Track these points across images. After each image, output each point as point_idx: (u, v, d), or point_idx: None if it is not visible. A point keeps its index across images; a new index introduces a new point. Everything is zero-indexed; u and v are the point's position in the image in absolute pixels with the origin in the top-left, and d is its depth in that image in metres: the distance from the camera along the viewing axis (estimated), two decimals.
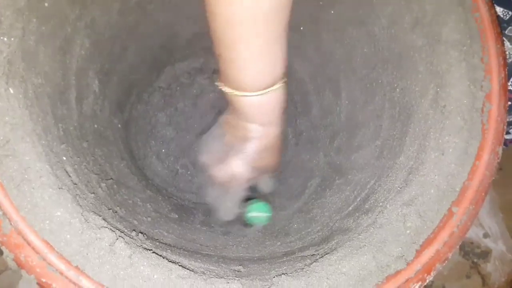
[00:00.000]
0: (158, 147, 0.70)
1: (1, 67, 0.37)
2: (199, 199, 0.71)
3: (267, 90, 0.43)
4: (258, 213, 0.60)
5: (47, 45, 0.43)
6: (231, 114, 0.50)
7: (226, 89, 0.45)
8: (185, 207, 0.65)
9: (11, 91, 0.37)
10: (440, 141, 0.44)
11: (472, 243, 0.84)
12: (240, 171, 0.52)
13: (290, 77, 0.74)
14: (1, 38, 0.37)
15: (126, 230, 0.41)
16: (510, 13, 0.60)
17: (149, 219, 0.51)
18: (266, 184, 0.60)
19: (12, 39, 0.38)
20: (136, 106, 0.68)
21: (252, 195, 0.61)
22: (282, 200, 0.66)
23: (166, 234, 0.50)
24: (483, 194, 0.43)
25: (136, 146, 0.67)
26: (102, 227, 0.37)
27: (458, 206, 0.42)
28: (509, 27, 0.60)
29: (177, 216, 0.57)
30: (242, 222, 0.61)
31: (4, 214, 0.35)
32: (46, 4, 0.42)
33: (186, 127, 0.73)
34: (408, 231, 0.41)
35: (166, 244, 0.45)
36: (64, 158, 0.42)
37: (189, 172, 0.73)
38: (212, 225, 0.59)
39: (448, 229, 0.41)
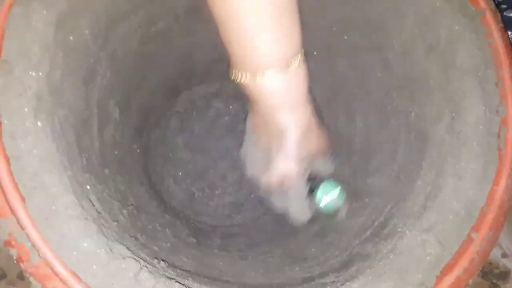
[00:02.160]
0: (175, 171, 0.72)
1: (30, 102, 0.38)
2: (216, 221, 0.71)
3: (287, 66, 0.41)
4: (328, 195, 0.53)
5: (72, 77, 0.44)
6: (256, 114, 0.48)
7: (244, 78, 0.42)
8: (203, 231, 0.65)
9: (39, 124, 0.38)
10: (457, 166, 0.44)
11: (490, 263, 0.83)
12: (289, 168, 0.49)
13: None
14: (30, 73, 0.39)
15: (148, 258, 0.42)
16: None
17: (168, 244, 0.52)
18: (324, 167, 0.55)
19: (40, 73, 0.39)
20: (154, 130, 0.69)
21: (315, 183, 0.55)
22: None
23: (185, 260, 0.50)
24: (502, 219, 0.43)
25: (154, 170, 0.68)
26: (126, 257, 0.38)
27: (477, 231, 0.42)
28: None
29: (195, 240, 0.58)
30: (322, 215, 0.55)
31: (33, 245, 0.36)
32: (71, 38, 0.43)
33: (202, 150, 0.74)
34: (428, 258, 0.41)
35: (186, 271, 0.45)
36: (88, 187, 0.43)
37: (205, 195, 0.74)
38: (230, 249, 0.60)
39: (468, 255, 0.41)
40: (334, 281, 0.43)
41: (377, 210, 0.53)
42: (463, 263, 0.41)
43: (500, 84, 0.45)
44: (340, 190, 0.53)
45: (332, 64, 0.63)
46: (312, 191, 0.54)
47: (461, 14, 0.47)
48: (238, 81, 0.43)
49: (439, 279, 0.40)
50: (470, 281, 0.41)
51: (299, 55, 0.43)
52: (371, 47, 0.56)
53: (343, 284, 0.41)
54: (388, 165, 0.55)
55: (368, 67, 0.58)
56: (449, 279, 0.40)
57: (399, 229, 0.45)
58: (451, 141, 0.46)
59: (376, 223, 0.51)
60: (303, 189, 0.53)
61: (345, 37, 0.58)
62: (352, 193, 0.61)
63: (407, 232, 0.44)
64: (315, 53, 0.65)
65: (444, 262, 0.41)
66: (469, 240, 0.42)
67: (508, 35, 0.47)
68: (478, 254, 0.42)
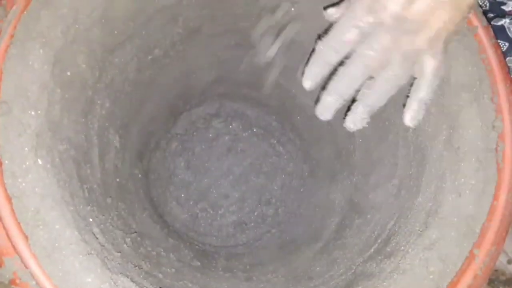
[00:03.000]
0: (177, 192, 0.72)
1: (30, 141, 0.39)
2: (220, 241, 0.71)
3: None
4: None
5: (71, 111, 0.45)
6: None
7: None
8: (207, 252, 0.66)
9: (40, 162, 0.39)
10: (456, 183, 0.45)
11: (497, 270, 0.83)
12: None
13: (301, 114, 0.75)
14: (29, 112, 0.39)
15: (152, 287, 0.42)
16: (507, 44, 0.62)
17: (173, 270, 0.52)
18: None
19: (39, 111, 0.40)
20: (155, 154, 0.70)
21: None
22: (301, 239, 0.67)
23: (190, 285, 0.51)
24: (503, 234, 0.43)
25: (156, 193, 0.69)
26: None
27: (479, 248, 0.42)
28: (508, 58, 0.61)
29: (199, 263, 0.58)
30: None
31: (37, 283, 0.36)
32: (68, 73, 0.44)
33: (204, 170, 0.75)
34: (431, 276, 0.42)
35: None
36: (91, 220, 0.44)
37: (208, 215, 0.74)
38: (234, 270, 0.60)
39: (471, 272, 0.42)
40: None
41: (380, 226, 0.53)
42: (467, 280, 0.41)
43: (496, 99, 0.46)
44: None
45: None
46: None
47: None
48: None
49: None
50: None
51: None
52: None
53: None
54: (389, 181, 0.56)
55: None
56: None
57: (402, 247, 0.45)
58: (450, 157, 0.46)
59: (379, 240, 0.51)
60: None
61: None
62: (356, 209, 0.61)
63: (410, 250, 0.44)
64: None
65: (448, 280, 0.41)
66: (471, 256, 0.42)
67: (501, 50, 0.47)
68: (481, 270, 0.42)
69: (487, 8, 0.68)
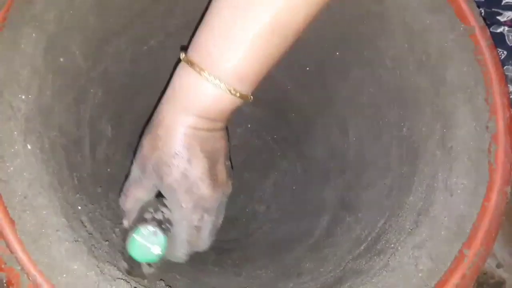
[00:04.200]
0: None
1: (19, 125, 0.38)
2: None
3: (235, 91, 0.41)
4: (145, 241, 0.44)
5: (62, 98, 0.44)
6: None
7: (196, 65, 0.41)
8: None
9: (29, 147, 0.39)
10: (448, 182, 0.44)
11: (485, 273, 0.83)
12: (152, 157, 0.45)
13: (297, 114, 0.75)
14: (19, 96, 0.39)
15: (140, 278, 0.42)
16: (505, 52, 0.61)
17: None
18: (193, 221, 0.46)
19: (30, 96, 0.40)
20: None
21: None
22: (292, 236, 0.66)
23: (178, 277, 0.50)
24: (493, 235, 0.43)
25: None
26: (117, 278, 0.38)
27: (469, 248, 0.42)
28: (505, 66, 0.61)
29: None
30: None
31: (22, 268, 0.36)
32: (61, 60, 0.44)
33: None
34: (420, 274, 0.41)
35: None
36: (79, 208, 0.43)
37: None
38: (224, 265, 0.60)
39: (460, 271, 0.41)
40: None
41: (370, 224, 0.53)
42: (455, 279, 0.41)
43: (490, 100, 0.46)
44: (157, 254, 0.45)
45: (325, 80, 0.63)
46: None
47: (450, 31, 0.47)
48: (185, 58, 0.42)
49: None
50: None
51: (249, 98, 0.43)
52: (363, 63, 0.57)
53: None
54: (381, 180, 0.56)
55: (360, 82, 0.59)
56: None
57: (392, 245, 0.45)
58: (442, 156, 0.46)
59: (369, 238, 0.51)
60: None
61: (337, 53, 0.59)
62: (347, 207, 0.61)
63: (399, 248, 0.44)
64: (307, 68, 0.66)
65: (436, 279, 0.41)
66: (461, 256, 0.42)
67: (497, 52, 0.47)
68: (469, 270, 0.41)
69: (483, 16, 0.68)
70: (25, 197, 0.37)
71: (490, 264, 0.83)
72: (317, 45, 0.59)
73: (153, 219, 0.46)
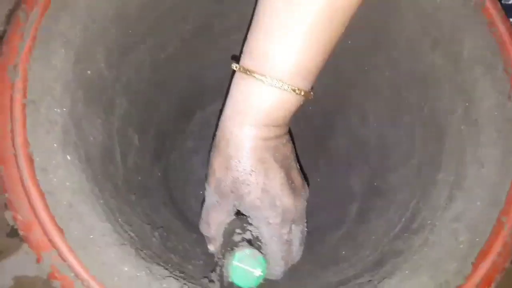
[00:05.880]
0: (195, 190, 0.72)
1: (57, 137, 0.39)
2: None
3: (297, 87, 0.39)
4: (246, 265, 0.42)
5: (93, 110, 0.46)
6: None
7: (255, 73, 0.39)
8: None
9: (68, 158, 0.40)
10: (477, 154, 0.45)
11: None
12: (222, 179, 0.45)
13: (313, 104, 0.76)
14: (55, 110, 0.40)
15: (187, 277, 0.42)
16: None
17: (201, 262, 0.52)
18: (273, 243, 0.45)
19: (64, 109, 0.41)
20: (172, 153, 0.70)
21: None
22: (323, 227, 0.67)
23: None
24: None
25: (176, 191, 0.69)
26: (166, 276, 0.39)
27: (507, 215, 0.42)
28: None
29: None
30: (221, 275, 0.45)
31: (76, 275, 0.37)
32: (89, 72, 0.45)
33: None
34: (461, 246, 0.42)
35: None
36: (120, 214, 0.44)
37: None
38: None
39: (501, 239, 0.42)
40: (370, 280, 0.43)
41: (403, 206, 0.53)
42: (497, 247, 0.41)
43: (510, 70, 0.46)
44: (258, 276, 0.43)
45: (339, 69, 0.64)
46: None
47: (462, 7, 0.48)
48: (240, 71, 0.41)
49: (475, 265, 0.40)
50: (506, 265, 0.41)
51: (311, 95, 0.42)
52: (376, 48, 0.57)
53: (380, 282, 0.41)
54: (407, 161, 0.56)
55: (375, 67, 0.59)
56: (485, 264, 0.40)
57: (429, 221, 0.46)
58: (468, 131, 0.47)
59: (403, 219, 0.51)
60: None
61: (349, 42, 0.60)
62: (376, 192, 0.61)
63: (437, 223, 0.44)
64: None
65: (478, 249, 0.41)
66: (499, 224, 0.42)
67: (510, 22, 0.48)
68: (511, 237, 0.42)
69: None
70: (70, 206, 0.38)
71: None
72: None
73: (243, 239, 0.44)
